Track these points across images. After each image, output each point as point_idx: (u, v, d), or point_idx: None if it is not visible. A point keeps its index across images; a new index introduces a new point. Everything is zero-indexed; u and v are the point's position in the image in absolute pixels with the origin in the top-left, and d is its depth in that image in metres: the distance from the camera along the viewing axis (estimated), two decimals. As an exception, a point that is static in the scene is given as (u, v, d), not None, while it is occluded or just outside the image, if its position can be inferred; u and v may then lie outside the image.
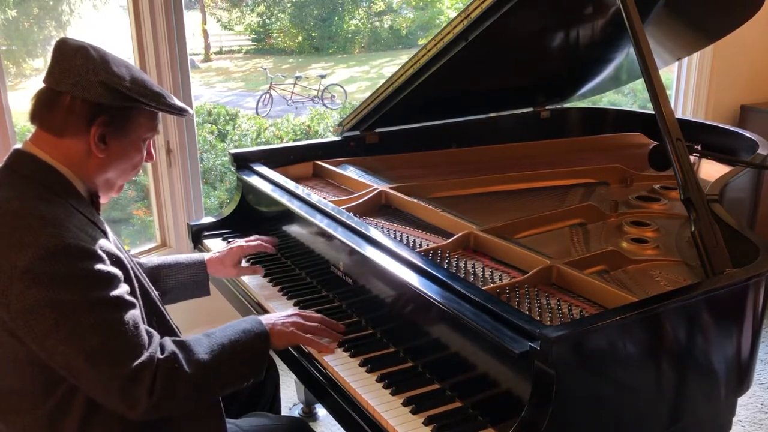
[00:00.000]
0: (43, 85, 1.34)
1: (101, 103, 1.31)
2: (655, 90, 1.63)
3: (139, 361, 1.24)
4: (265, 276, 1.98)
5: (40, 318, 1.20)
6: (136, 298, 1.35)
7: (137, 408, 1.25)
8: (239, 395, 1.80)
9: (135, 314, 1.29)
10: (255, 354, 1.43)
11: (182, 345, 1.34)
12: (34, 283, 1.19)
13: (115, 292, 1.26)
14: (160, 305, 1.48)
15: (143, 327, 1.30)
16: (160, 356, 1.28)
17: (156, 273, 1.76)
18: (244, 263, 1.97)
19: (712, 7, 2.26)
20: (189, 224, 2.30)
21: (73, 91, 1.29)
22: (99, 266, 1.25)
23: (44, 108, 1.33)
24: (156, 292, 1.50)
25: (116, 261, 1.32)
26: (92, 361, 1.21)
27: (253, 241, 1.93)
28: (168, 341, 1.33)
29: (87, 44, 1.34)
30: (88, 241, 1.26)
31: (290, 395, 2.79)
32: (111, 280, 1.27)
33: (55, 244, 1.21)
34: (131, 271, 1.37)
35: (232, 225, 2.29)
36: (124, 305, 1.27)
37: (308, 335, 1.55)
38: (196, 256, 1.86)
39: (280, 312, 1.59)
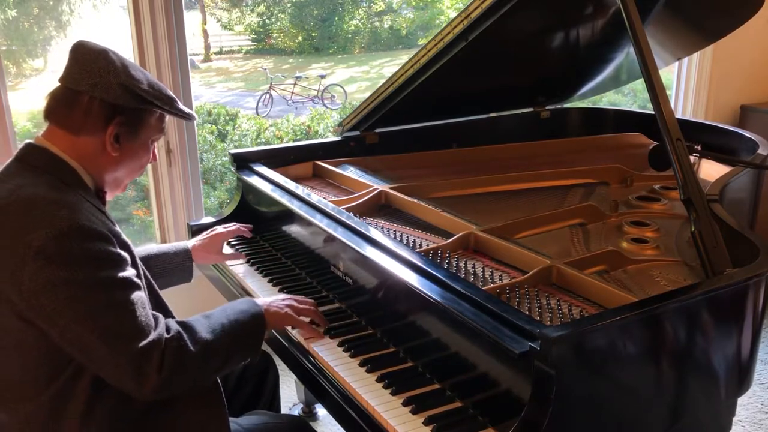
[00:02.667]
0: (58, 84, 1.38)
1: (119, 105, 1.36)
2: (655, 90, 1.63)
3: (148, 339, 1.27)
4: (265, 276, 1.99)
5: (53, 297, 1.22)
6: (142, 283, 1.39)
7: (147, 386, 1.27)
8: (239, 394, 1.80)
9: (142, 296, 1.33)
10: (252, 332, 1.48)
11: (185, 325, 1.38)
12: (47, 263, 1.22)
13: (124, 273, 1.30)
14: (161, 294, 1.51)
15: (149, 309, 1.33)
16: (167, 335, 1.31)
17: (144, 263, 1.77)
18: (227, 248, 2.04)
19: (712, 7, 2.26)
20: (189, 224, 2.30)
21: (92, 92, 1.34)
22: (110, 248, 1.29)
23: (62, 106, 1.37)
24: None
25: (124, 245, 1.36)
26: (104, 340, 1.24)
27: (231, 226, 2.03)
28: (172, 322, 1.37)
29: (107, 48, 1.40)
30: (99, 225, 1.30)
31: (290, 395, 2.79)
32: (121, 262, 1.31)
33: (69, 224, 1.24)
34: (136, 258, 1.41)
35: (232, 225, 2.29)
36: (133, 286, 1.31)
37: (300, 318, 1.60)
38: (180, 244, 1.94)
39: (274, 296, 1.64)
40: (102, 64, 1.35)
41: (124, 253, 1.33)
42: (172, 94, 1.45)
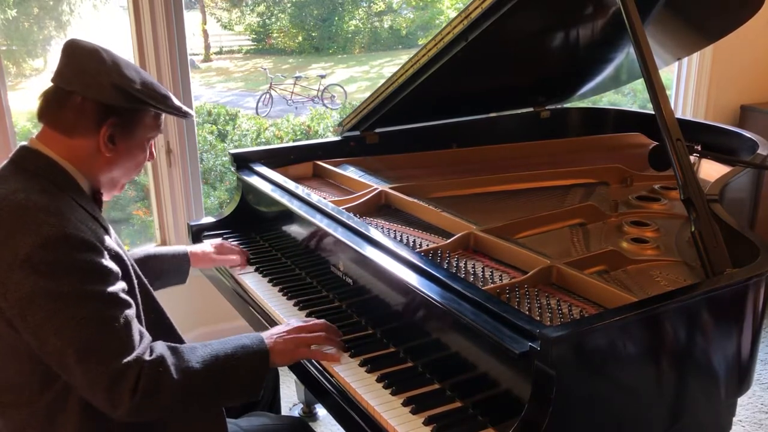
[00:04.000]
0: (50, 84, 1.36)
1: (112, 105, 1.33)
2: (655, 90, 1.63)
3: (125, 360, 1.23)
4: (265, 276, 1.98)
5: (36, 308, 1.20)
6: (134, 295, 1.36)
7: (119, 408, 1.24)
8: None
9: (128, 313, 1.28)
10: (250, 371, 1.39)
11: (174, 350, 1.32)
12: (32, 272, 1.20)
13: (111, 288, 1.26)
14: (159, 303, 1.49)
15: (136, 327, 1.29)
16: (148, 358, 1.26)
17: (143, 263, 1.76)
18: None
19: (712, 7, 2.26)
20: (189, 224, 2.30)
21: (85, 92, 1.32)
22: (98, 259, 1.26)
23: (54, 107, 1.35)
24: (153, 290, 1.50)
25: (116, 257, 1.33)
26: (81, 355, 1.21)
27: (237, 246, 2.10)
28: (159, 344, 1.32)
29: (99, 47, 1.37)
30: (88, 234, 1.27)
31: (290, 395, 2.79)
32: (108, 275, 1.27)
33: (56, 233, 1.22)
34: (131, 269, 1.38)
35: (232, 225, 2.29)
36: (119, 302, 1.27)
37: (312, 348, 1.51)
38: (179, 247, 1.95)
39: (282, 327, 1.52)
40: (94, 64, 1.33)
41: (113, 265, 1.29)
42: (166, 92, 1.41)
